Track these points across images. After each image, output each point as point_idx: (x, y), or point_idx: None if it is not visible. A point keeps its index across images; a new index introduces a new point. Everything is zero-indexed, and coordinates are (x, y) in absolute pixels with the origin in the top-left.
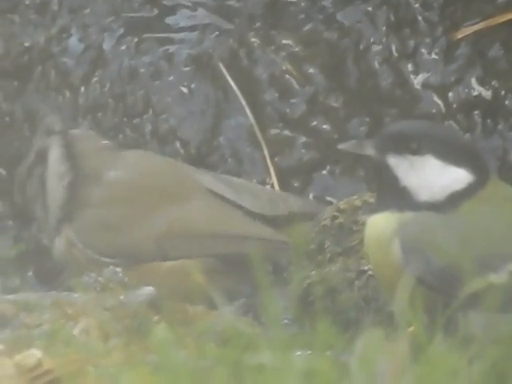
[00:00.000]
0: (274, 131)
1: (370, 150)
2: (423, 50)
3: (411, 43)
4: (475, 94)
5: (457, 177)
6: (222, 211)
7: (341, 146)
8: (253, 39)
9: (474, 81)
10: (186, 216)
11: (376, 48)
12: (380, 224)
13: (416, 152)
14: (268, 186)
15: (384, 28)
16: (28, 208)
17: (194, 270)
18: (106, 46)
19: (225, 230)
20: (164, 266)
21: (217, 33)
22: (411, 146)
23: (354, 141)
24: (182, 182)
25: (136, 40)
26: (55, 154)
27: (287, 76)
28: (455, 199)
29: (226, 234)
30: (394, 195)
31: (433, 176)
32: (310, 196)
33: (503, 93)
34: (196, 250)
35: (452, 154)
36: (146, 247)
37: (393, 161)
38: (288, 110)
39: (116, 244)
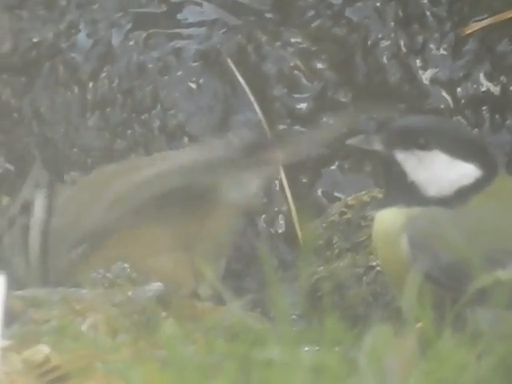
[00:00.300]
0: (282, 127)
1: (377, 145)
2: (432, 46)
3: (419, 39)
4: (483, 89)
5: (465, 172)
6: (158, 159)
7: (349, 142)
8: (261, 35)
9: (482, 76)
10: (126, 179)
11: (384, 43)
12: (388, 219)
13: (424, 147)
14: (276, 182)
15: (392, 23)
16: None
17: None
18: (115, 41)
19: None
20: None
21: (225, 28)
22: (419, 140)
23: (361, 136)
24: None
25: (144, 35)
26: (39, 205)
27: (296, 71)
28: (463, 194)
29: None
30: (402, 190)
31: (441, 171)
32: (319, 192)
33: (511, 88)
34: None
35: (460, 148)
36: (106, 221)
37: (400, 156)
38: (296, 106)
39: (80, 233)
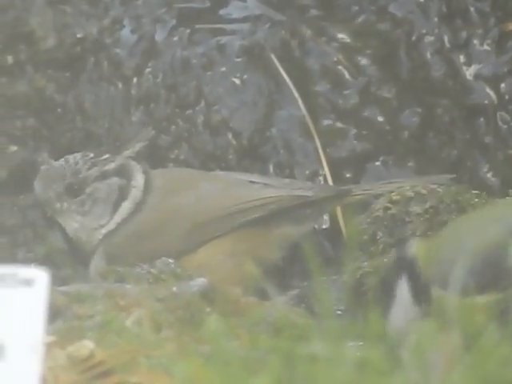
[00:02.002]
0: (326, 122)
1: None
2: (475, 41)
3: (463, 34)
4: None
5: None
6: (232, 186)
7: None
8: (305, 30)
9: None
10: (198, 204)
11: (428, 39)
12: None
13: None
14: (320, 178)
15: (436, 19)
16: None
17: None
18: (159, 36)
19: (239, 200)
20: (196, 255)
21: (269, 24)
22: None
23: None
24: (188, 175)
25: (188, 31)
26: (140, 180)
27: (339, 67)
28: None
29: (241, 204)
30: None
31: None
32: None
33: None
34: (219, 229)
35: None
36: (174, 247)
37: None
38: (340, 101)
39: (149, 254)
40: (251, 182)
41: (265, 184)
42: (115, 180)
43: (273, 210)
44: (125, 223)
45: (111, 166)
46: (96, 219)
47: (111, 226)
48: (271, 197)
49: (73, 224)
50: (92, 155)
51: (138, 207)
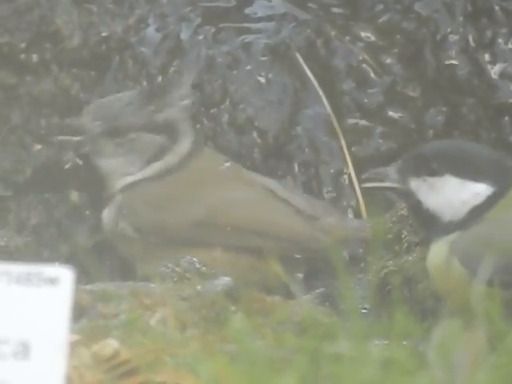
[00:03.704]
0: (351, 121)
1: (393, 176)
2: (500, 40)
3: (488, 33)
4: None
5: (476, 191)
6: (263, 204)
7: (365, 177)
8: (330, 29)
9: None
10: (225, 205)
11: (453, 38)
12: (434, 257)
13: (435, 173)
14: (345, 176)
15: (461, 18)
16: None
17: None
18: (184, 35)
19: (262, 224)
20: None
21: (294, 23)
22: (431, 167)
23: (377, 170)
24: (230, 173)
25: (213, 30)
26: (185, 145)
27: (364, 66)
28: (475, 214)
29: (262, 228)
30: (426, 223)
31: (452, 195)
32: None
33: None
34: (231, 241)
35: (471, 170)
36: (183, 230)
37: (414, 184)
38: (365, 100)
39: (154, 222)
40: (286, 200)
41: (297, 210)
42: (159, 138)
43: (287, 245)
44: (147, 182)
45: (160, 117)
46: (125, 166)
47: (134, 178)
48: (293, 232)
49: (104, 163)
50: (143, 100)
51: (167, 173)
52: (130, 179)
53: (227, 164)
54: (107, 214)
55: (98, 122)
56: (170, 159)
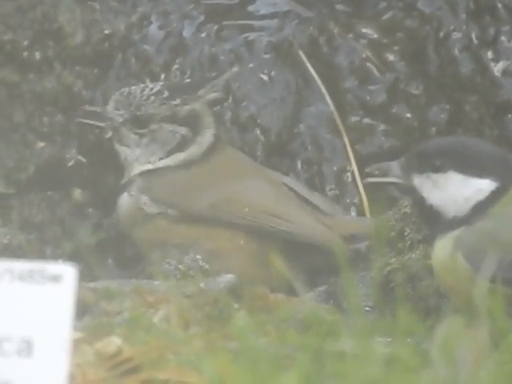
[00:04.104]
0: (354, 118)
1: (396, 172)
2: (503, 38)
3: (491, 31)
4: None
5: (479, 187)
6: (280, 195)
7: (368, 170)
8: (333, 27)
9: None
10: (243, 190)
11: (456, 35)
12: (439, 252)
13: (439, 169)
14: (348, 174)
15: (464, 15)
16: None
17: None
18: (187, 33)
19: (275, 210)
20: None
21: (297, 20)
22: (434, 163)
23: (380, 164)
24: (250, 168)
25: (216, 27)
26: (208, 138)
27: (367, 63)
28: (479, 209)
29: (275, 213)
30: (430, 219)
31: (455, 191)
32: (386, 187)
33: None
34: (243, 222)
35: (474, 166)
36: (201, 207)
37: (417, 181)
38: (368, 98)
39: (175, 200)
40: (305, 198)
41: (315, 208)
42: (182, 129)
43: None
44: (168, 170)
45: (183, 110)
46: (146, 156)
47: (154, 166)
48: (306, 226)
49: (125, 152)
50: (167, 93)
51: (189, 164)
52: (149, 166)
53: (248, 161)
54: (125, 198)
55: (121, 111)
56: (193, 150)
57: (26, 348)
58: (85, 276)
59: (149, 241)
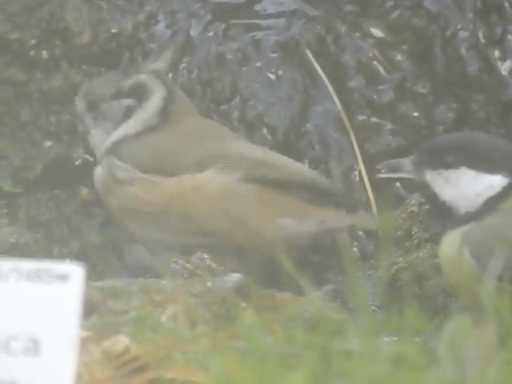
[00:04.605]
0: (361, 117)
1: (408, 168)
2: (510, 37)
3: (498, 29)
4: None
5: (491, 183)
6: (266, 152)
7: (380, 166)
8: (340, 26)
9: None
10: (227, 146)
11: (463, 34)
12: (446, 247)
13: (450, 165)
14: (355, 173)
15: (471, 14)
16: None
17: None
18: (194, 32)
19: (271, 160)
20: (195, 176)
21: (304, 19)
22: (446, 159)
23: (392, 161)
24: (228, 132)
25: (223, 26)
26: (156, 101)
27: (374, 62)
28: (491, 204)
29: (273, 162)
30: (442, 214)
31: (467, 187)
32: (398, 182)
33: None
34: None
35: (486, 162)
36: (188, 164)
37: (429, 177)
38: (375, 97)
39: (157, 163)
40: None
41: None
42: (127, 101)
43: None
44: (129, 139)
45: (127, 83)
46: (101, 135)
47: (111, 140)
48: (299, 171)
49: (90, 136)
50: (115, 75)
51: (145, 130)
52: (105, 145)
53: (223, 127)
54: (100, 170)
55: (82, 103)
56: (140, 115)
57: (33, 347)
58: (92, 275)
59: (123, 209)
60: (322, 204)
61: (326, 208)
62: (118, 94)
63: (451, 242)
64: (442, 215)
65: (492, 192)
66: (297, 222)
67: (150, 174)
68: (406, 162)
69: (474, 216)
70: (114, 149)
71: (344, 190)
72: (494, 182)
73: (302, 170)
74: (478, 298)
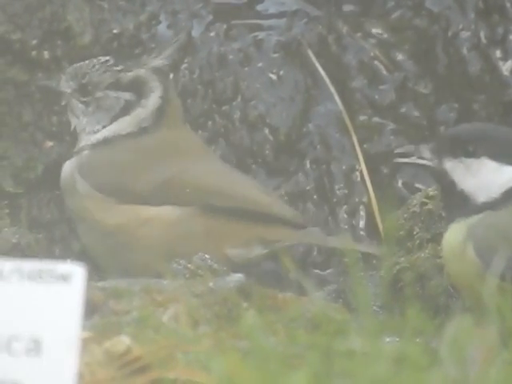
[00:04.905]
0: (362, 118)
1: (426, 154)
2: (511, 37)
3: (500, 30)
4: None
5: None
6: (231, 175)
7: (398, 150)
8: (342, 26)
9: None
10: (191, 170)
11: (465, 34)
12: (451, 236)
13: (472, 155)
14: (357, 173)
15: (473, 15)
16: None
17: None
18: (195, 32)
19: (225, 187)
20: (148, 210)
21: (306, 19)
22: (467, 148)
23: (411, 146)
24: (200, 149)
25: (225, 27)
26: (154, 100)
27: (376, 62)
28: (510, 196)
29: (225, 190)
30: (456, 202)
31: (488, 177)
32: (399, 182)
33: None
34: (188, 199)
35: (508, 153)
36: (145, 190)
37: (449, 164)
38: (377, 97)
39: (116, 183)
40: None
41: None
42: (126, 95)
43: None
44: (118, 140)
45: (126, 76)
46: (93, 124)
47: (101, 136)
48: (253, 199)
49: (75, 120)
50: (112, 61)
51: (139, 129)
52: (97, 136)
53: (201, 143)
54: (67, 167)
55: (70, 83)
56: (138, 113)
57: (35, 347)
58: (93, 275)
59: (75, 214)
60: (271, 225)
61: (276, 228)
62: (117, 86)
63: (456, 232)
64: (457, 204)
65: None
66: (245, 250)
67: (105, 195)
68: (424, 148)
69: (491, 206)
70: (94, 151)
71: (296, 212)
72: None
73: (256, 195)
74: (478, 294)
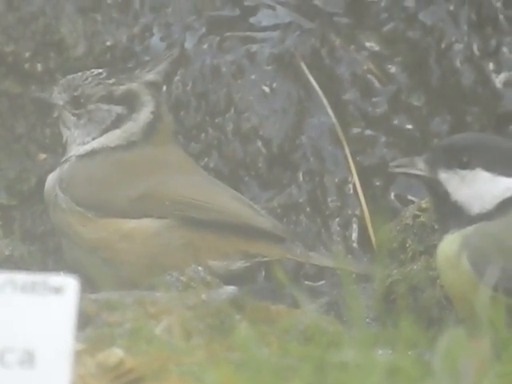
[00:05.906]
0: (355, 130)
1: (420, 166)
2: (505, 49)
3: (493, 42)
4: None
5: (507, 186)
6: (213, 188)
7: (392, 164)
8: (334, 38)
9: None
10: (171, 182)
11: (458, 47)
12: (446, 246)
13: (466, 166)
14: (350, 185)
15: (466, 27)
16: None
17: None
18: (188, 44)
19: (204, 200)
20: (128, 223)
21: (298, 32)
22: (462, 159)
23: (405, 158)
24: (185, 163)
25: (218, 39)
26: (145, 115)
27: (369, 75)
28: (504, 207)
29: (204, 203)
30: (450, 213)
31: (483, 189)
32: (392, 195)
33: None
34: (167, 211)
35: (502, 164)
36: (124, 203)
37: (443, 176)
38: (370, 109)
39: (95, 197)
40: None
41: (248, 205)
42: (117, 108)
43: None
44: (100, 153)
45: (119, 89)
46: (83, 136)
47: (88, 147)
48: (232, 212)
49: (67, 132)
50: (105, 74)
51: (129, 143)
52: (86, 147)
53: (187, 158)
54: (50, 180)
55: (62, 94)
56: (129, 127)
57: (28, 359)
58: (86, 287)
59: (57, 227)
60: (252, 238)
61: (257, 242)
62: (109, 99)
63: (451, 243)
64: (450, 215)
65: (508, 194)
66: (225, 263)
67: (84, 209)
68: (419, 160)
69: (485, 217)
70: (77, 163)
71: (277, 224)
72: (510, 185)
73: (237, 208)
74: (472, 305)
